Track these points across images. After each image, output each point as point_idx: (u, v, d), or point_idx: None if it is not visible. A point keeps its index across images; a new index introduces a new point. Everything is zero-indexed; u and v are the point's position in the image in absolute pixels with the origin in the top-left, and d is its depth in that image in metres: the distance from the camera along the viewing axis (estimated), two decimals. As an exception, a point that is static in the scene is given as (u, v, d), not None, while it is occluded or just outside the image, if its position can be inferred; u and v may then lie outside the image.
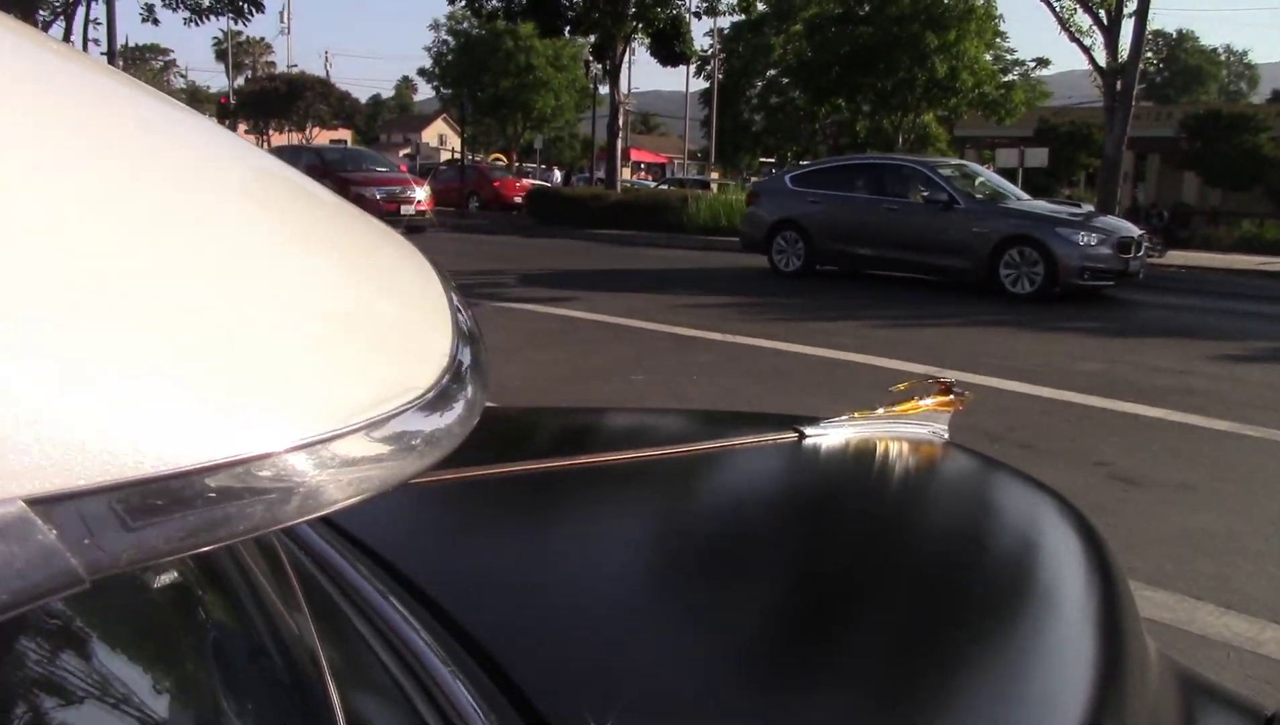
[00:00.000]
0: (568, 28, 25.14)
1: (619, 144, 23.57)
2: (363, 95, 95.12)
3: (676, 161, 60.41)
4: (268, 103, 48.05)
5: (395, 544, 0.98)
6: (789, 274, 13.67)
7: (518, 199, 28.43)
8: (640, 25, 23.47)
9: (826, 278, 13.53)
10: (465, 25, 43.18)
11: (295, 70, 60.81)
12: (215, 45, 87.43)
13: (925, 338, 8.67)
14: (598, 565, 1.02)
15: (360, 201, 16.26)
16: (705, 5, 23.88)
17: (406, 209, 19.28)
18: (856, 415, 1.60)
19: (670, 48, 24.52)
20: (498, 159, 48.94)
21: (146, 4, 20.73)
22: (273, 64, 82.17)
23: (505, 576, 0.97)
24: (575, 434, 1.65)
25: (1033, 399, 6.41)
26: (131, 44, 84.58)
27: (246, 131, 52.09)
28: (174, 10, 21.01)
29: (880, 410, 1.63)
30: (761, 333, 8.53)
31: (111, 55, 18.02)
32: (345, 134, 55.89)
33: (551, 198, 22.91)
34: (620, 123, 23.28)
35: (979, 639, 0.98)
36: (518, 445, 1.51)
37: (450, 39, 45.41)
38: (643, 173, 55.43)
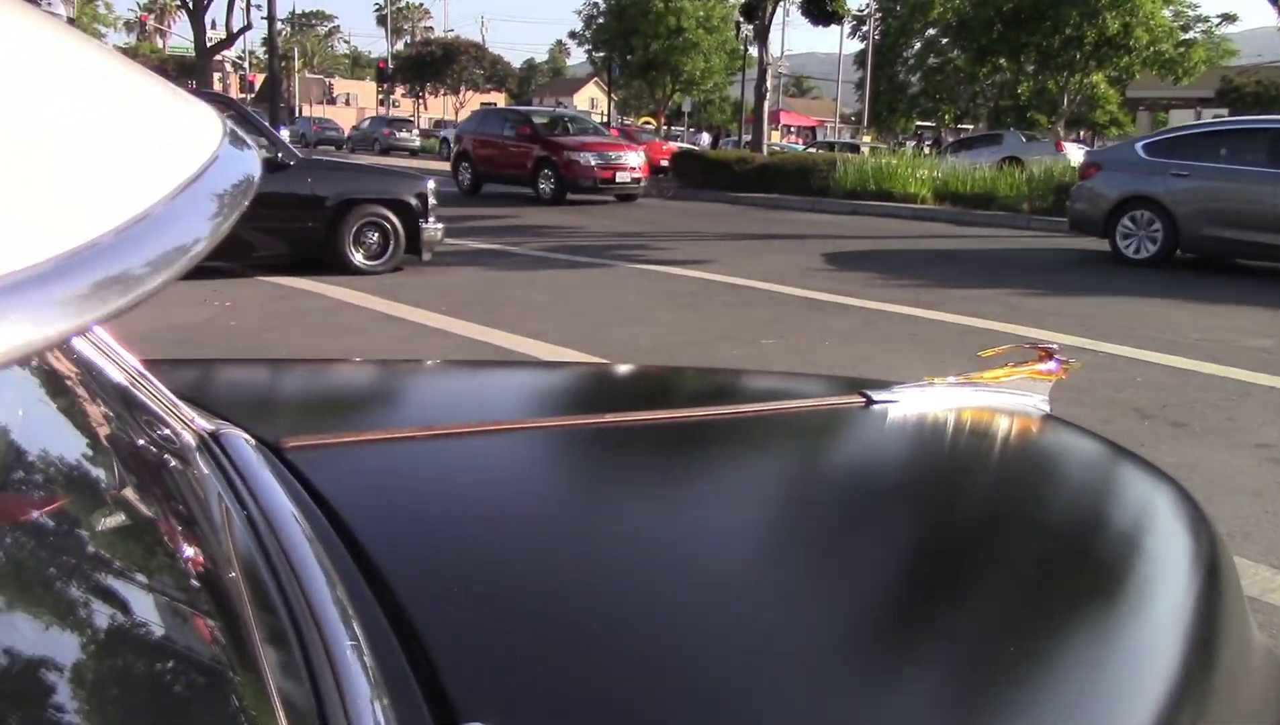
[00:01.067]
0: (718, -13, 24.77)
1: (766, 106, 23.15)
2: (517, 60, 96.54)
3: (828, 125, 59.23)
4: (424, 67, 49.16)
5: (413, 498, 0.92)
6: (1140, 262, 11.15)
7: (663, 162, 28.36)
8: (792, -16, 22.92)
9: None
10: (617, -12, 43.14)
11: (451, 35, 62.05)
12: (376, 11, 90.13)
13: (1079, 308, 8.21)
14: (598, 533, 0.92)
15: (573, 167, 14.77)
16: (859, -38, 23.11)
17: (622, 176, 17.92)
18: (935, 380, 1.45)
19: (822, 6, 23.87)
20: (647, 122, 48.91)
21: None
22: (430, 29, 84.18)
23: (508, 543, 0.89)
24: (619, 391, 1.56)
25: (1190, 374, 5.99)
26: (298, 10, 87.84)
27: (404, 94, 53.50)
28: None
29: (961, 376, 1.47)
30: (901, 298, 8.23)
31: (272, 19, 18.66)
32: (498, 97, 56.76)
33: (696, 161, 22.70)
34: (768, 85, 22.85)
35: (1046, 633, 0.86)
36: (565, 401, 1.43)
37: (601, 1, 45.47)
38: (792, 136, 54.56)
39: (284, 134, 31.56)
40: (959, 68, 43.80)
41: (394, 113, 51.30)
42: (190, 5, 22.93)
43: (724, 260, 10.43)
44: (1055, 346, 1.53)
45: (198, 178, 0.38)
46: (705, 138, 46.77)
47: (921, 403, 1.41)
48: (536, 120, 19.60)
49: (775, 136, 50.20)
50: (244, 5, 21.08)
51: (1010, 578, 0.99)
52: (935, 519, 1.08)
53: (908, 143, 37.75)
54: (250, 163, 0.45)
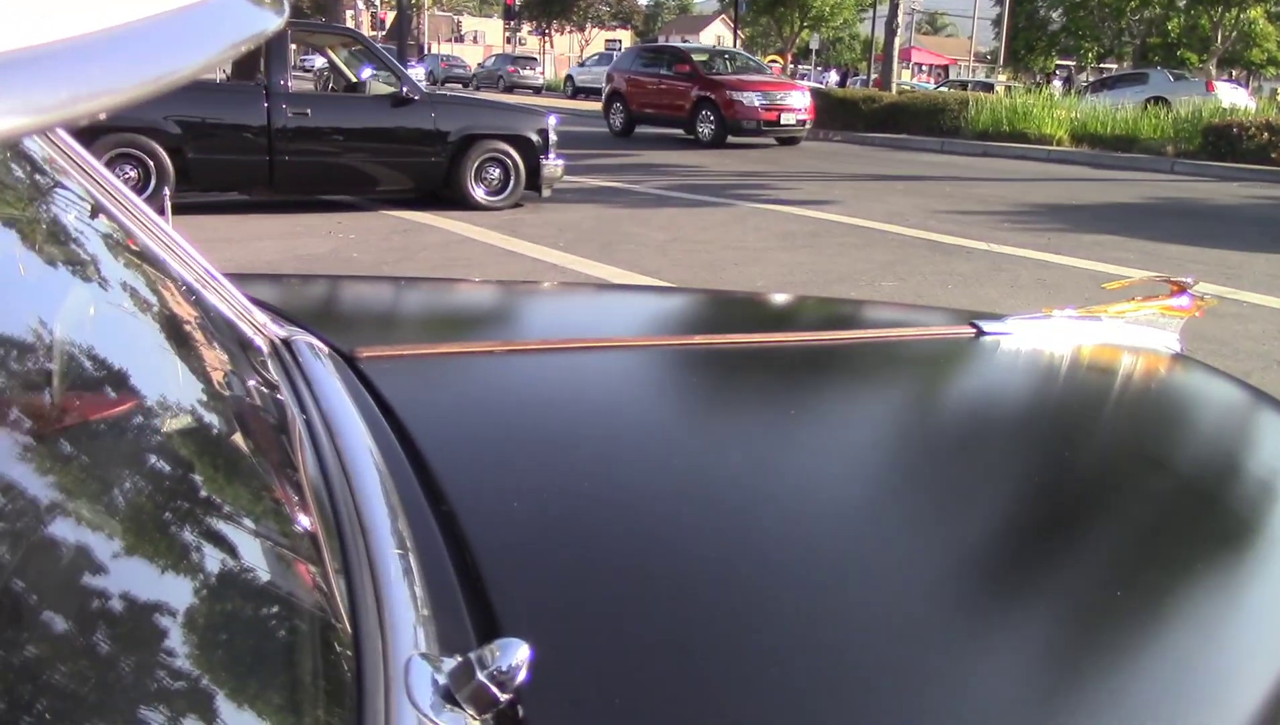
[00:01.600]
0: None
1: (896, 43, 22.42)
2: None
3: (962, 64, 57.15)
4: (550, 3, 49.08)
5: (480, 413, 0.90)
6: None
7: (788, 100, 27.77)
8: (927, -86, 22.00)
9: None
10: (746, -80, 42.13)
11: (578, -29, 61.68)
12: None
13: (1219, 255, 7.77)
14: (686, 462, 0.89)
15: (735, 108, 14.59)
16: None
17: (788, 118, 16.72)
18: (1053, 312, 1.35)
19: (959, -62, 22.91)
20: (774, 60, 47.96)
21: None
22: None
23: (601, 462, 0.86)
24: (716, 314, 1.50)
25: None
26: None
27: (530, 32, 53.58)
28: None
29: (1083, 309, 1.37)
30: (1030, 243, 7.92)
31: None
32: (624, 35, 56.41)
33: (824, 99, 22.18)
34: (898, 21, 22.11)
35: (1161, 587, 0.80)
36: (658, 322, 1.39)
37: (730, -65, 44.47)
38: (924, 75, 52.83)
39: (417, 71, 31.99)
40: (1104, 2, 41.58)
41: (520, 50, 51.49)
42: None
43: (846, 201, 10.19)
44: (1190, 280, 1.42)
45: (196, 7, 0.35)
46: (833, 76, 45.66)
47: (1036, 335, 1.32)
48: (696, 57, 18.36)
49: (905, 75, 48.68)
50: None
51: (1125, 525, 0.92)
52: (1045, 460, 1.01)
53: (1054, 81, 36.11)
54: (267, 19, 0.42)
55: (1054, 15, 49.53)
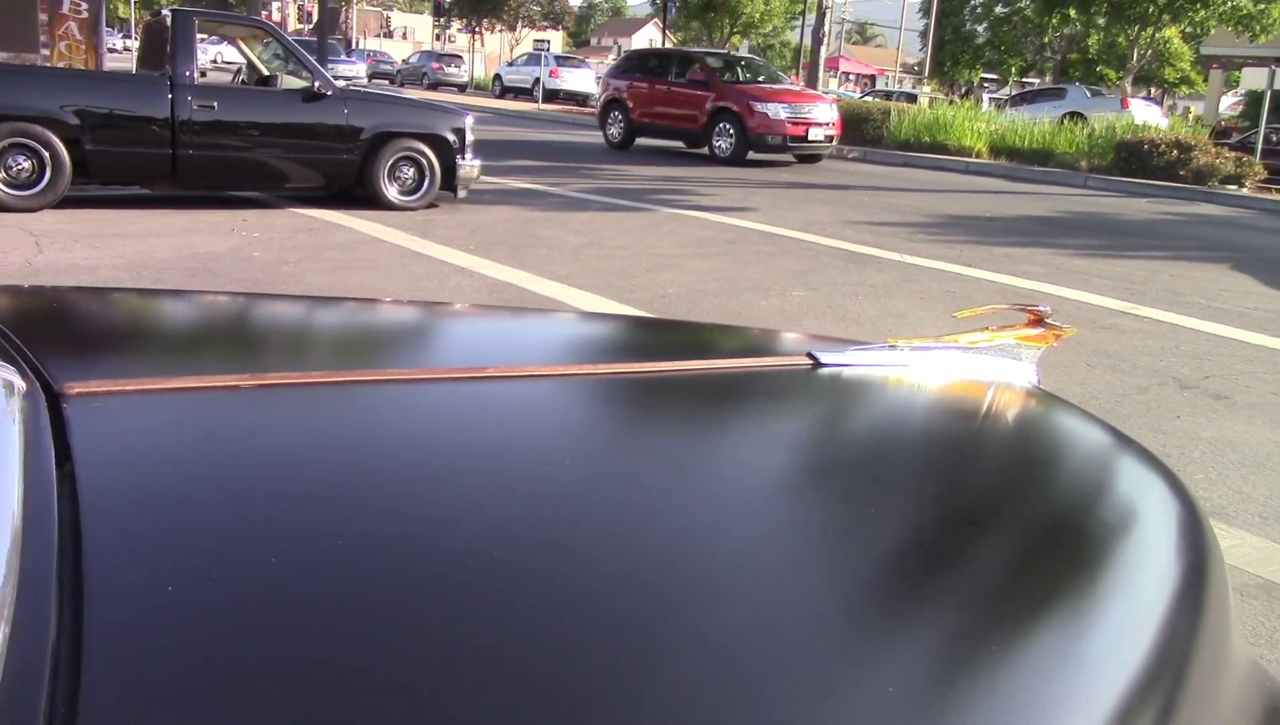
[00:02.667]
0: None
1: (822, 51, 22.59)
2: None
3: (890, 74, 57.95)
4: (481, 1, 48.63)
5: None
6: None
7: (714, 106, 27.85)
8: (855, -75, 22.20)
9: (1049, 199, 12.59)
10: (678, -76, 42.16)
11: (510, -30, 61.29)
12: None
13: (1125, 270, 7.90)
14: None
15: (759, 121, 14.44)
16: (926, -97, 22.26)
17: (816, 133, 15.22)
18: (898, 342, 1.28)
19: (885, -50, 23.17)
20: (704, 65, 48.08)
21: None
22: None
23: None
24: (530, 340, 1.36)
25: (1237, 344, 5.72)
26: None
27: (459, 30, 53.08)
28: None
29: (932, 338, 1.29)
30: (942, 255, 7.97)
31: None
32: (554, 36, 56.17)
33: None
34: (824, 29, 22.28)
35: (998, 627, 0.74)
36: (456, 349, 1.27)
37: (662, -61, 44.47)
38: (850, 84, 53.44)
39: (356, 66, 31.33)
40: (1027, 18, 42.45)
41: (450, 48, 50.94)
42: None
43: (765, 208, 10.19)
44: (1046, 308, 1.36)
45: None
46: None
47: (878, 368, 1.23)
48: (712, 63, 16.65)
49: (833, 84, 49.18)
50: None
51: (962, 569, 0.86)
52: (875, 505, 0.93)
53: (984, 96, 36.78)
54: None
55: (979, 29, 50.48)
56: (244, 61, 9.95)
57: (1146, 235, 10.44)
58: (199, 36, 8.34)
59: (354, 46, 50.68)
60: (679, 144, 16.53)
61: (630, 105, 16.71)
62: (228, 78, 13.35)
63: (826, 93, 29.38)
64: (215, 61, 31.17)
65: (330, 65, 29.74)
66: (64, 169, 7.58)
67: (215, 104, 8.11)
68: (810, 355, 1.20)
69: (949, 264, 7.59)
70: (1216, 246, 9.81)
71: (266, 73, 9.59)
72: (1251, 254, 9.38)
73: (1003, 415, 1.23)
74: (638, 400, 1.02)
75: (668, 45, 30.81)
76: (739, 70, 16.80)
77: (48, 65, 9.92)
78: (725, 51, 21.87)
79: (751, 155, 15.26)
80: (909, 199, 12.16)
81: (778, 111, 14.97)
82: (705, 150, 15.63)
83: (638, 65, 17.68)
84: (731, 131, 15.12)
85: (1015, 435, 1.21)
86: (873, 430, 1.08)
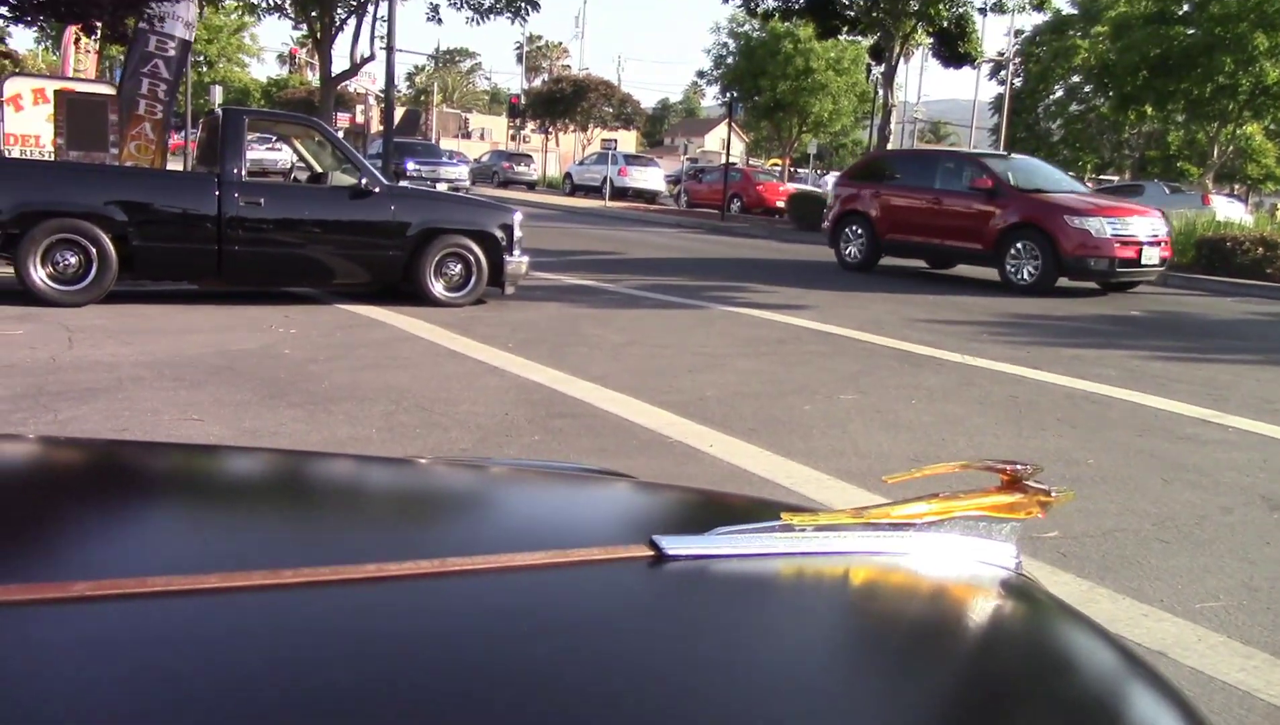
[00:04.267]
0: (845, 28, 24.22)
1: (888, 148, 22.40)
2: (651, 99, 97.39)
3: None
4: (554, 103, 49.69)
5: None
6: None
7: (779, 203, 27.80)
8: (921, 25, 22.22)
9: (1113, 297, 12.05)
10: (746, 28, 42.86)
11: (585, 73, 62.84)
12: (516, 49, 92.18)
13: (1207, 374, 7.37)
14: None
15: (1075, 239, 11.83)
16: (994, 2, 22.25)
17: (1150, 255, 12.27)
18: (797, 520, 0.85)
19: (953, 49, 23.16)
20: (775, 164, 48.41)
21: (432, 4, 21.78)
22: (568, 67, 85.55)
23: None
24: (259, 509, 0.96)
25: (1336, 460, 5.18)
26: (444, 48, 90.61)
27: (534, 130, 54.27)
28: (458, 10, 21.97)
29: (857, 513, 0.88)
30: (1006, 356, 7.53)
31: (390, 49, 18.90)
32: (627, 136, 57.09)
33: (813, 202, 22.10)
34: (890, 126, 22.14)
35: None
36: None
37: (731, 41, 45.24)
38: (922, 181, 53.22)
39: (460, 169, 31.78)
40: (1102, 115, 42.06)
41: (524, 148, 51.99)
42: (318, 36, 23.55)
43: (823, 306, 9.85)
44: (1025, 466, 0.94)
45: None
46: (831, 180, 45.90)
47: (756, 562, 0.84)
48: (993, 166, 13.45)
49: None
50: (369, 37, 21.53)
51: None
52: None
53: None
54: None
55: (1053, 126, 50.13)
56: (295, 158, 10.01)
57: (1231, 336, 9.86)
58: (246, 135, 8.35)
59: (436, 146, 51.96)
60: (919, 263, 14.38)
61: (876, 217, 13.93)
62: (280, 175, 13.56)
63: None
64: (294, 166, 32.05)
65: (436, 167, 30.42)
66: (110, 265, 7.57)
67: (262, 201, 8.08)
68: (652, 544, 0.80)
69: (1014, 366, 7.15)
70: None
71: (319, 169, 9.62)
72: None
73: (957, 630, 0.84)
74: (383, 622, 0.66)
75: (728, 145, 30.95)
76: (1049, 181, 13.79)
77: (98, 162, 10.07)
78: (1002, 152, 18.70)
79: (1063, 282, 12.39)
80: (976, 296, 11.72)
81: (1101, 228, 11.96)
82: (997, 273, 12.65)
83: (886, 168, 14.93)
84: (1036, 253, 12.18)
85: (979, 661, 0.82)
86: (732, 672, 0.68)
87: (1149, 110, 32.32)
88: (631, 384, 5.89)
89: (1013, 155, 16.53)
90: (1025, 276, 12.26)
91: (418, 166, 29.63)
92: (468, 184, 30.93)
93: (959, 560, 0.90)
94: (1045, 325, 9.74)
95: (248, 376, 5.55)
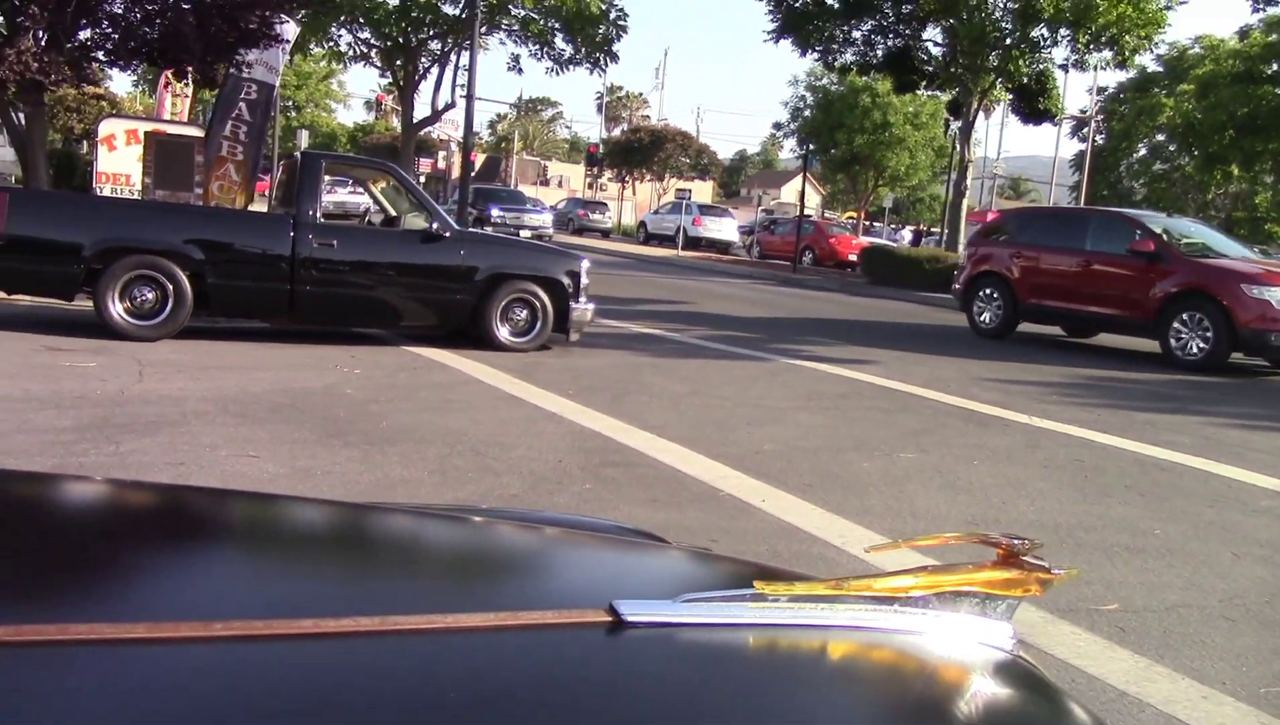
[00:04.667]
0: (923, 83, 24.15)
1: (964, 204, 22.19)
2: (729, 150, 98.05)
3: (1041, 228, 56.81)
4: (631, 152, 50.24)
5: None
6: None
7: (852, 256, 27.65)
8: (1000, 80, 22.06)
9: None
10: (824, 81, 43.00)
11: (663, 124, 63.45)
12: (597, 99, 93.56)
13: (1288, 444, 7.11)
14: None
15: (1262, 313, 10.47)
16: (1075, 59, 22.01)
17: None
18: (770, 590, 0.81)
19: (1033, 105, 22.93)
20: (851, 218, 48.28)
21: (514, 54, 22.30)
22: (647, 117, 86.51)
23: None
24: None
25: None
26: (526, 96, 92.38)
27: (610, 179, 54.84)
28: (538, 60, 22.47)
29: (837, 584, 0.83)
30: (1075, 418, 7.34)
31: (470, 97, 19.32)
32: (703, 186, 57.42)
33: (885, 256, 21.96)
34: (967, 182, 21.94)
35: None
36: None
37: (808, 95, 45.41)
38: (1000, 238, 52.55)
39: (544, 216, 32.29)
40: (1187, 175, 41.23)
41: (601, 196, 52.59)
42: (401, 84, 24.16)
43: (889, 362, 9.73)
44: (1023, 541, 0.89)
45: None
46: (907, 234, 45.58)
47: (723, 633, 0.79)
48: (1154, 226, 12.30)
49: (982, 237, 48.41)
50: (451, 86, 22.06)
51: None
52: None
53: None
54: None
55: (1136, 185, 49.24)
56: (371, 202, 10.23)
57: (1315, 405, 9.51)
58: (323, 177, 8.55)
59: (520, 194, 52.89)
60: (1055, 330, 13.42)
61: (1016, 280, 12.85)
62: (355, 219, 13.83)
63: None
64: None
65: (520, 214, 30.96)
66: (185, 301, 7.77)
67: (335, 242, 8.26)
68: (611, 609, 0.77)
69: (1082, 429, 6.96)
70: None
71: (394, 213, 9.81)
72: None
73: (941, 715, 0.80)
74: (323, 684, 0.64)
75: (803, 197, 30.93)
76: (1215, 246, 12.44)
77: (176, 201, 10.40)
78: (1160, 214, 17.07)
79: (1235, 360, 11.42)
80: (1047, 356, 11.49)
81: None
82: (1157, 347, 11.55)
83: (1029, 227, 13.73)
84: (1207, 325, 10.92)
85: None
86: None
87: (1235, 170, 31.66)
88: (689, 435, 5.85)
89: (1172, 215, 15.14)
90: (1194, 351, 11.02)
91: (502, 213, 30.13)
92: (551, 231, 31.26)
93: (948, 639, 0.85)
94: (1114, 388, 9.50)
95: (309, 415, 5.63)
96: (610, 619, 0.75)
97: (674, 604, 0.79)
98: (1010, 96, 23.05)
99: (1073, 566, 0.90)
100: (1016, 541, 0.88)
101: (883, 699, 0.81)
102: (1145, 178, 47.91)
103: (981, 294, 13.36)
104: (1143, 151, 48.01)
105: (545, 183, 71.45)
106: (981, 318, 13.36)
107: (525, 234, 26.46)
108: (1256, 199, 42.35)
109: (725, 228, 35.87)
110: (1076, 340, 13.45)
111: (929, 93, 27.59)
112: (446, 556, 1.04)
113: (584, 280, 9.00)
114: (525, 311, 8.82)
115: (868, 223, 47.62)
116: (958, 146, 23.79)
